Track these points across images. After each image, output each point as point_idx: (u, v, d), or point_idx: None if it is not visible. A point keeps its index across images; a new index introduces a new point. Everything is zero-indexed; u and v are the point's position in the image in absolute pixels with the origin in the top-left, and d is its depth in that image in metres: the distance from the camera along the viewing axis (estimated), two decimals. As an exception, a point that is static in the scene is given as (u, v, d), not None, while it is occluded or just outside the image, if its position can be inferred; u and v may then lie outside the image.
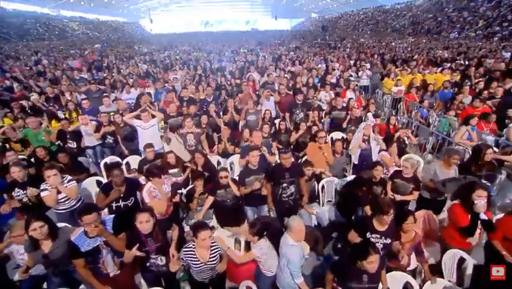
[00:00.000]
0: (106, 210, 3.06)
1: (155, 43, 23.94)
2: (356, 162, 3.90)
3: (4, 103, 6.85)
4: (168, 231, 2.61)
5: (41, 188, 2.90)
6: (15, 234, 2.36)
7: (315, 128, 4.70)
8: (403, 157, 4.09)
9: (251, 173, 3.26)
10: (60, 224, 2.66)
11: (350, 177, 3.82)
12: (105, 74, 9.29)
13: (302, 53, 13.99)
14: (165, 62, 11.97)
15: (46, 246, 2.22)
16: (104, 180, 4.14)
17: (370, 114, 5.16)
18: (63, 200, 3.01)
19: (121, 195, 2.93)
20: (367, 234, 2.55)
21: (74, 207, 3.09)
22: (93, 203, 2.65)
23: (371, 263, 1.99)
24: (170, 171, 3.82)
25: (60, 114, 5.45)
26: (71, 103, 5.40)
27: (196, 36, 31.87)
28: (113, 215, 2.44)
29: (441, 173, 3.28)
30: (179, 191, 3.44)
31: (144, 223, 2.18)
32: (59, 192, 2.93)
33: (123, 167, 4.36)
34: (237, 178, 3.69)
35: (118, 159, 4.48)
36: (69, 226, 2.75)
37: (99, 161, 4.89)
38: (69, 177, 3.07)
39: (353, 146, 4.05)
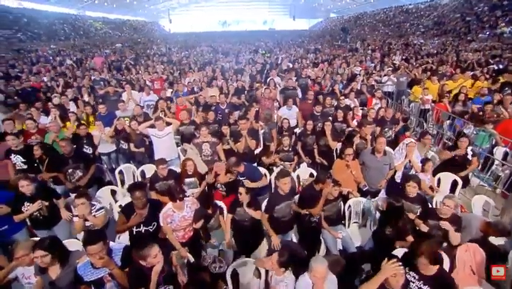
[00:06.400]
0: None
1: (173, 43, 24.19)
2: (398, 181, 3.54)
3: (29, 103, 7.11)
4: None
5: (74, 213, 2.84)
6: (18, 255, 2.20)
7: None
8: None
9: (281, 199, 2.94)
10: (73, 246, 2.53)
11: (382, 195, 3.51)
12: (124, 76, 9.32)
13: (322, 56, 13.50)
14: (183, 63, 11.95)
15: (53, 272, 2.08)
16: (119, 189, 4.03)
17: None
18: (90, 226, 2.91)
19: (143, 219, 2.70)
20: (406, 269, 2.23)
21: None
22: (99, 231, 2.36)
23: None
24: (187, 180, 3.65)
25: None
26: (89, 107, 5.35)
27: (213, 36, 32.00)
28: (123, 245, 2.23)
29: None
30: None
31: (153, 257, 1.96)
32: (86, 220, 2.84)
33: (138, 175, 4.26)
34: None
35: (133, 167, 4.36)
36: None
37: (114, 166, 4.83)
38: (99, 206, 2.94)
39: (398, 165, 3.62)
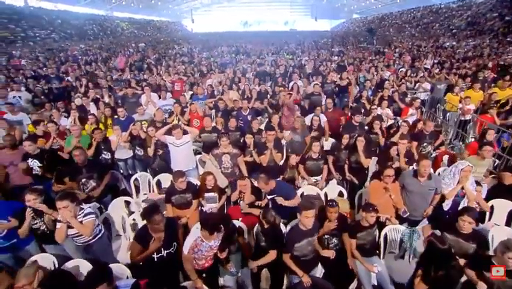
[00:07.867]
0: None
1: (195, 43, 24.34)
2: (446, 209, 3.06)
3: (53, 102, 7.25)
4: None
5: (58, 218, 2.57)
6: (20, 285, 1.99)
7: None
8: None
9: (303, 235, 2.59)
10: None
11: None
12: (145, 76, 9.28)
13: (348, 59, 12.83)
14: (202, 63, 11.81)
15: None
16: (133, 199, 3.83)
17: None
18: (76, 235, 2.64)
19: (162, 243, 2.44)
20: None
21: (91, 242, 2.71)
22: (104, 268, 1.91)
23: None
24: (206, 195, 3.40)
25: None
26: (108, 109, 5.22)
27: (234, 36, 31.97)
28: (132, 281, 1.95)
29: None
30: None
31: None
32: (70, 227, 2.55)
33: (154, 185, 4.05)
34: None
35: (149, 175, 4.16)
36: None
37: (130, 173, 4.67)
38: (88, 210, 2.64)
39: (450, 192, 3.11)
